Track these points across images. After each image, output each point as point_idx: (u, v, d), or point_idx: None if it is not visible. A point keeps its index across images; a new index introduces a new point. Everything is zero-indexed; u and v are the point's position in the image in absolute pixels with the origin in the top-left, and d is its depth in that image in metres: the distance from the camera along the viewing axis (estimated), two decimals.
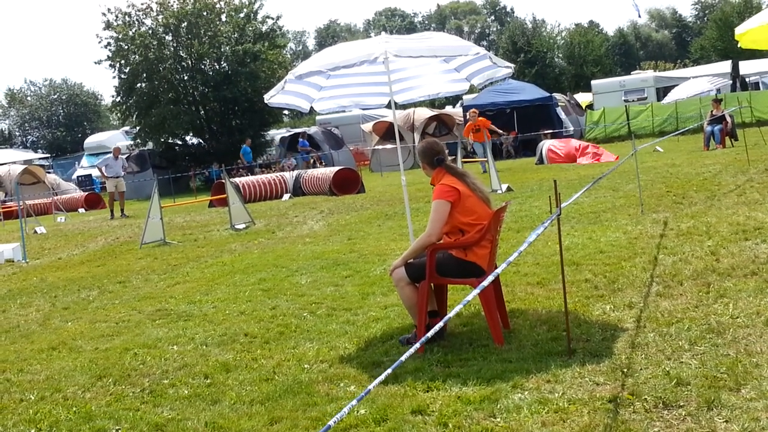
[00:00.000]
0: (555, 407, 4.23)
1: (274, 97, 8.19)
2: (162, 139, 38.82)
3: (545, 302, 6.48)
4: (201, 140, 40.04)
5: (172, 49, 38.94)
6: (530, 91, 32.75)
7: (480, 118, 23.60)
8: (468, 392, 4.58)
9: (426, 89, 8.55)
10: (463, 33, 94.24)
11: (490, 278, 3.90)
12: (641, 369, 4.64)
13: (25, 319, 8.35)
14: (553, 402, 4.30)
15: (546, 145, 23.77)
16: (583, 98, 42.63)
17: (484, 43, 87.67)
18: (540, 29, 65.99)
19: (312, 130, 37.87)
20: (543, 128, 29.79)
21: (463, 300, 3.65)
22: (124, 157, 29.58)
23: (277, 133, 41.56)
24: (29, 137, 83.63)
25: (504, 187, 16.18)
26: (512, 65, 7.83)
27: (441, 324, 3.56)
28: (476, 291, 3.73)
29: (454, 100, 45.60)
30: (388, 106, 8.60)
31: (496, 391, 4.55)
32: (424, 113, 32.56)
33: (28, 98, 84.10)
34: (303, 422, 4.44)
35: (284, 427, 4.40)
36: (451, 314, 3.63)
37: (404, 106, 30.15)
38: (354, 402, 2.44)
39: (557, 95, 36.38)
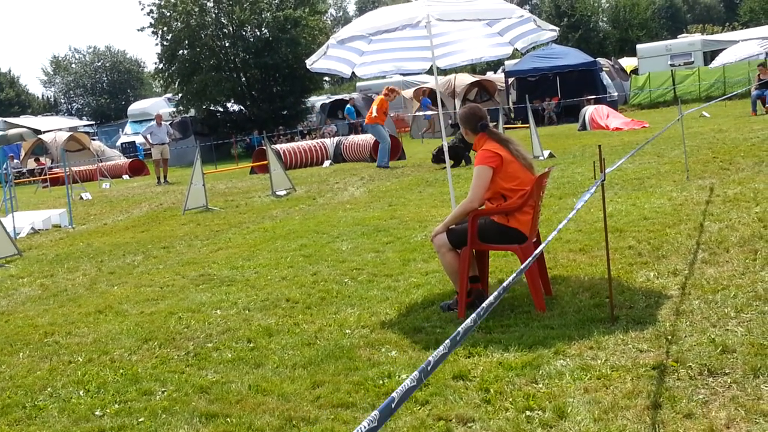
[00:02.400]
0: (597, 374, 4.21)
1: (316, 63, 8.18)
2: (204, 106, 39.04)
3: (588, 269, 6.43)
4: (242, 107, 40.19)
5: (214, 15, 39.01)
6: (574, 56, 32.26)
7: (381, 96, 18.17)
8: (509, 358, 4.58)
9: (468, 54, 8.47)
10: None
11: (541, 248, 3.83)
12: (686, 336, 4.59)
13: (72, 283, 8.51)
14: (595, 368, 4.28)
15: (589, 111, 23.48)
16: (627, 63, 41.83)
17: (527, 7, 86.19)
18: None
19: (354, 96, 37.81)
20: (586, 93, 29.37)
21: (515, 273, 3.63)
22: (168, 123, 29.83)
23: (317, 100, 41.56)
24: (74, 104, 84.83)
25: (546, 153, 16.01)
26: (557, 28, 7.71)
27: (491, 300, 3.51)
28: (530, 261, 3.62)
29: (495, 65, 45.17)
30: (430, 71, 8.54)
31: (538, 357, 4.53)
32: (466, 79, 32.28)
33: (73, 66, 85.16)
34: (345, 386, 4.47)
35: (326, 391, 4.44)
36: (502, 288, 3.61)
37: (445, 72, 29.92)
38: (443, 348, 2.37)
39: (601, 60, 35.78)
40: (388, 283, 6.73)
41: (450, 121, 19.43)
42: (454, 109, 28.61)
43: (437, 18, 7.22)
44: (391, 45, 8.48)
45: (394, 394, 1.93)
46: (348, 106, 34.64)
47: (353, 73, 8.71)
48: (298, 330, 5.71)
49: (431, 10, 7.20)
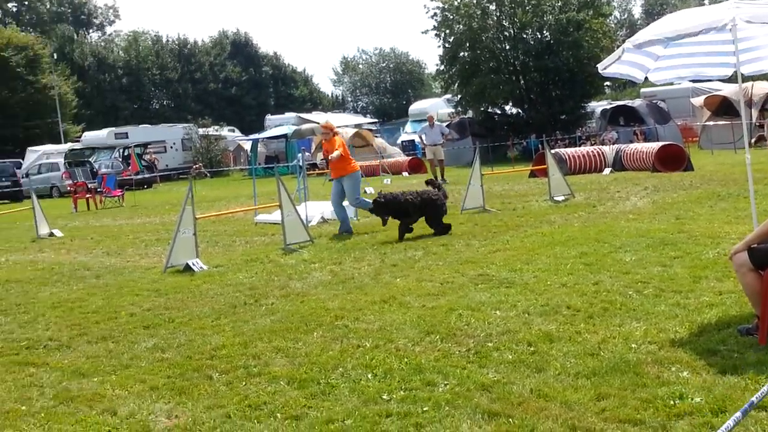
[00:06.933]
0: None
1: (609, 67, 7.97)
2: (482, 108, 39.57)
3: None
4: (520, 110, 40.21)
5: (495, 18, 39.32)
6: None
7: (335, 137, 13.05)
8: None
9: None
10: None
11: None
12: None
13: (358, 272, 9.00)
14: None
15: None
16: None
17: None
18: None
19: (636, 102, 36.41)
20: None
21: None
22: (444, 124, 30.56)
23: (598, 105, 40.52)
24: (359, 102, 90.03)
25: None
26: None
27: None
28: None
29: None
30: (730, 78, 8.01)
31: None
32: (765, 87, 29.81)
33: (360, 66, 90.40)
34: (632, 402, 4.32)
35: (612, 405, 4.31)
36: None
37: (743, 79, 27.80)
38: None
39: None
40: (677, 300, 6.39)
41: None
42: (750, 119, 26.59)
43: (746, 21, 6.74)
44: (690, 50, 8.03)
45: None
46: None
47: (646, 77, 8.37)
48: (580, 339, 5.60)
49: (739, 13, 6.73)
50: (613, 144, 25.39)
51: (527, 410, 4.36)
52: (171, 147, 48.44)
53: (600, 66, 8.17)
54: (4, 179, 36.55)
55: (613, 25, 55.63)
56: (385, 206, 11.57)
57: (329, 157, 12.79)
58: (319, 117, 51.94)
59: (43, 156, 43.25)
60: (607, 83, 45.92)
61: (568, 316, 6.23)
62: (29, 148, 46.45)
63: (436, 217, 11.58)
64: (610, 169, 20.87)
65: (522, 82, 39.52)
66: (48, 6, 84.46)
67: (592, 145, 28.44)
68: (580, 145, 29.24)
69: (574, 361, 5.11)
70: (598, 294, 6.86)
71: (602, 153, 21.92)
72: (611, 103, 40.45)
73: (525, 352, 5.42)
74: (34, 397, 5.31)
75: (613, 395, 4.45)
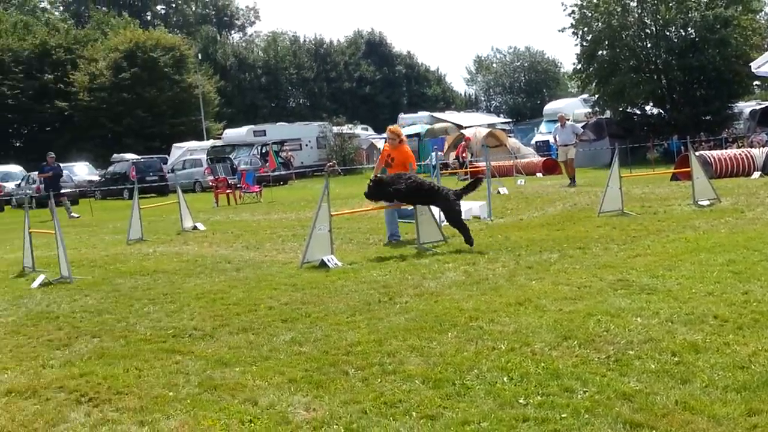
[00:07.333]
0: None
1: (762, 66, 7.61)
2: (620, 108, 38.44)
3: None
4: (661, 110, 38.80)
5: (636, 15, 38.13)
6: None
7: (402, 145, 12.73)
8: None
9: None
10: None
11: None
12: None
13: (492, 273, 8.91)
14: None
15: None
16: None
17: None
18: None
19: None
20: None
21: None
22: (580, 125, 29.87)
23: (746, 106, 38.58)
24: (492, 102, 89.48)
25: None
26: None
27: None
28: None
29: None
30: None
31: None
32: None
33: (494, 65, 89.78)
34: None
35: (764, 421, 4.11)
36: None
37: None
38: None
39: None
40: None
41: None
42: None
43: None
44: None
45: None
46: None
47: None
48: (729, 350, 5.34)
49: None
50: (763, 146, 24.09)
51: (672, 423, 4.20)
52: (306, 145, 49.62)
53: (753, 65, 7.83)
54: (152, 174, 38.46)
55: (763, 22, 52.90)
56: (375, 191, 11.50)
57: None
58: (452, 116, 52.00)
59: (187, 152, 45.22)
60: (757, 83, 43.61)
61: (715, 326, 5.95)
62: (174, 144, 48.72)
63: (447, 211, 11.45)
64: (759, 172, 19.81)
65: (664, 81, 38.14)
66: (193, 8, 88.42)
67: (739, 147, 27.14)
68: (726, 148, 27.98)
69: (723, 374, 4.88)
70: (748, 304, 6.52)
71: (751, 156, 20.85)
72: (761, 104, 38.45)
73: (669, 361, 5.22)
74: (180, 383, 5.55)
75: (765, 411, 4.24)
